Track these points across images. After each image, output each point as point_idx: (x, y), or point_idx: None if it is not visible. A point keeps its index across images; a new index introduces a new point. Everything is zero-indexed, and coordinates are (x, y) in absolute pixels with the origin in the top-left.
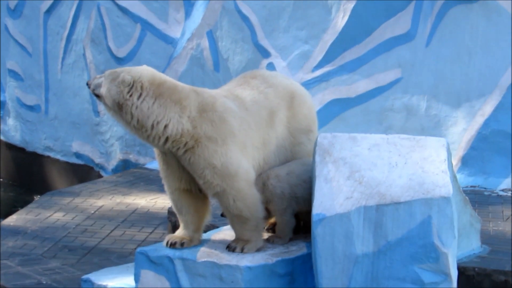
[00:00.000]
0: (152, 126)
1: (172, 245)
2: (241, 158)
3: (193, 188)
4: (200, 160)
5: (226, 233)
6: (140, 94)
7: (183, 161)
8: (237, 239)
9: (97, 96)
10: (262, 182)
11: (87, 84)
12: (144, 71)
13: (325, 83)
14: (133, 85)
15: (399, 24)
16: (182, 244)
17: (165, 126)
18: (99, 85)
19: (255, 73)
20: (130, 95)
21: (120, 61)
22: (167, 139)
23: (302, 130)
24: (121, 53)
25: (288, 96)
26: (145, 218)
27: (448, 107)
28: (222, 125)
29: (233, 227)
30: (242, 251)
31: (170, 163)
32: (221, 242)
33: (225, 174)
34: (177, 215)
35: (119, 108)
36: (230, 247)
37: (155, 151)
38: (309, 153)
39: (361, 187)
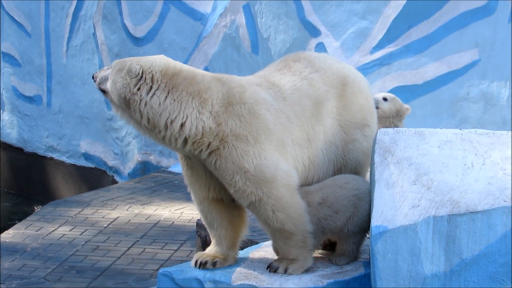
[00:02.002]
0: (166, 125)
1: (203, 265)
2: (278, 159)
3: (225, 197)
4: (228, 164)
5: (267, 250)
6: (150, 88)
7: (209, 165)
8: (280, 258)
9: (104, 91)
10: None
11: (93, 77)
12: (157, 60)
13: (386, 67)
14: (141, 77)
15: None
16: (214, 264)
17: (182, 125)
18: (105, 79)
19: (299, 56)
20: (138, 89)
21: (138, 41)
22: (185, 140)
23: (357, 124)
24: (140, 32)
25: (339, 82)
26: (169, 232)
27: None
28: (253, 120)
29: (277, 244)
30: (285, 271)
31: (195, 167)
32: (261, 261)
33: (260, 179)
34: (208, 229)
35: (126, 105)
36: (271, 267)
37: (178, 154)
38: (365, 152)
39: (430, 194)
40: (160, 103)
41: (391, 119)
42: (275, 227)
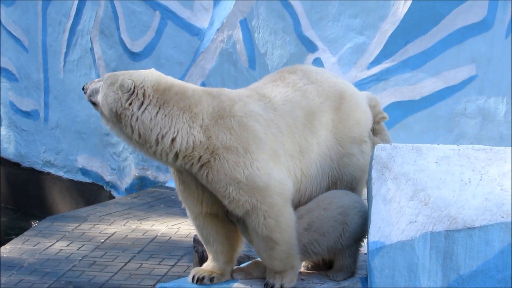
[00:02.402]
0: (157, 140)
1: (200, 281)
2: (271, 167)
3: (219, 212)
4: (220, 176)
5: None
6: (142, 103)
7: (200, 178)
8: (270, 273)
9: (94, 104)
10: None
11: (83, 89)
12: (149, 75)
13: (383, 83)
14: (133, 91)
15: (473, 10)
16: (211, 280)
17: (173, 140)
18: (96, 91)
19: (295, 68)
20: (130, 104)
21: (136, 56)
22: (176, 155)
23: (353, 139)
24: (137, 47)
25: (335, 95)
26: (166, 247)
27: None
28: (243, 132)
29: (260, 255)
30: (281, 287)
31: (187, 182)
32: (258, 276)
33: (253, 188)
34: (204, 245)
35: (117, 119)
36: (267, 285)
37: (171, 169)
38: (361, 167)
39: (427, 209)
40: (151, 118)
41: (382, 138)
42: (263, 235)
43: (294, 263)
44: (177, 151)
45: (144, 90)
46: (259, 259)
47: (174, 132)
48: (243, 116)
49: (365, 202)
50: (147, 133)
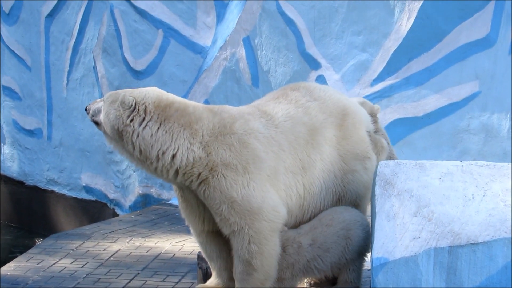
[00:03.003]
0: (158, 157)
1: None
2: (267, 190)
3: (209, 226)
4: (216, 193)
5: None
6: (143, 119)
7: (199, 195)
8: None
9: (97, 123)
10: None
11: (86, 109)
12: (150, 92)
13: (386, 100)
14: (135, 108)
15: (477, 27)
16: None
17: (173, 156)
18: (98, 111)
19: (298, 85)
20: (131, 120)
21: (139, 75)
22: (177, 171)
23: (357, 155)
24: (140, 65)
25: (339, 112)
26: (171, 264)
27: None
28: (243, 149)
29: (235, 277)
30: None
31: (188, 200)
32: None
33: (245, 209)
34: (208, 261)
35: (119, 137)
36: None
37: (173, 186)
38: (365, 184)
39: (431, 225)
40: (152, 134)
41: (379, 132)
42: (244, 258)
43: None
44: (177, 168)
45: (145, 106)
46: None
47: (175, 148)
48: (243, 134)
49: (369, 218)
50: (148, 149)
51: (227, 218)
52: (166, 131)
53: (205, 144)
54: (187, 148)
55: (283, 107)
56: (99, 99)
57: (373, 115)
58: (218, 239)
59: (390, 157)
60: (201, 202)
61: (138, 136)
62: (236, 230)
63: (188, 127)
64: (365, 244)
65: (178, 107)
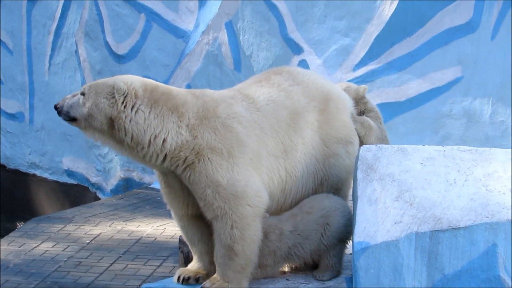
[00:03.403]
0: (149, 141)
1: (185, 281)
2: (251, 175)
3: (193, 210)
4: (201, 178)
5: None
6: (134, 104)
7: (184, 180)
8: (214, 278)
9: (73, 120)
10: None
11: (56, 108)
12: (131, 77)
13: (369, 84)
14: (127, 94)
15: (459, 12)
16: (197, 280)
17: (164, 140)
18: (75, 105)
19: (281, 69)
20: (124, 106)
21: (121, 59)
22: (165, 156)
23: (340, 140)
24: (122, 49)
25: (321, 97)
26: (152, 248)
27: None
28: (227, 133)
29: (216, 262)
30: None
31: (172, 185)
32: None
33: (230, 194)
34: (189, 245)
35: (109, 126)
36: None
37: (156, 172)
38: (347, 169)
39: (412, 210)
40: (145, 119)
41: (358, 107)
42: (225, 243)
43: (242, 281)
44: (166, 152)
45: (136, 91)
46: None
47: (166, 132)
48: (226, 118)
49: (351, 203)
50: (141, 135)
51: (211, 202)
52: (157, 115)
53: (191, 127)
54: (176, 131)
55: (265, 91)
56: (69, 96)
57: (359, 98)
58: (200, 223)
59: (382, 138)
60: (185, 186)
61: (131, 121)
62: (219, 215)
63: (175, 111)
64: (345, 230)
65: (163, 91)
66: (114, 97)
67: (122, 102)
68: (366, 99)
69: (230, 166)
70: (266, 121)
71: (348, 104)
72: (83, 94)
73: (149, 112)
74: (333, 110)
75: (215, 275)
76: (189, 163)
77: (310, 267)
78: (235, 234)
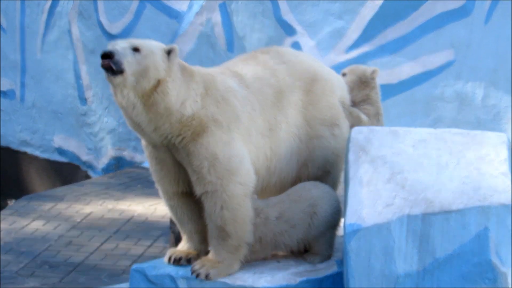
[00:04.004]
0: (177, 107)
1: (177, 261)
2: (244, 153)
3: (183, 188)
4: (201, 150)
5: None
6: (172, 67)
7: (182, 152)
8: (205, 259)
9: (118, 72)
10: None
11: (109, 54)
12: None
13: None
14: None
15: None
16: (188, 260)
17: (186, 107)
18: (130, 59)
19: (269, 49)
20: (169, 68)
21: (114, 38)
22: (179, 125)
23: (324, 121)
24: (115, 29)
25: (307, 77)
26: (143, 228)
27: (510, 96)
28: (226, 106)
29: (210, 241)
30: (206, 277)
31: (164, 161)
32: None
33: (225, 169)
34: (178, 226)
35: (152, 88)
36: (194, 271)
37: (146, 149)
38: (334, 151)
39: (404, 192)
40: (180, 84)
41: (361, 93)
42: (217, 224)
43: (234, 262)
44: (183, 120)
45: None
46: None
47: (189, 99)
48: (224, 91)
49: (343, 185)
50: (173, 100)
51: (205, 176)
52: (185, 81)
53: (202, 97)
54: (194, 99)
55: (251, 68)
56: (117, 45)
57: (364, 79)
58: (189, 202)
59: None
60: (176, 162)
61: (173, 82)
62: (209, 191)
63: (192, 79)
64: (333, 219)
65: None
66: (165, 60)
67: (168, 65)
68: (374, 84)
69: (228, 140)
70: (254, 98)
71: (336, 86)
72: (136, 50)
73: (181, 77)
74: (319, 91)
75: (207, 256)
76: (196, 134)
77: (301, 253)
78: (226, 215)
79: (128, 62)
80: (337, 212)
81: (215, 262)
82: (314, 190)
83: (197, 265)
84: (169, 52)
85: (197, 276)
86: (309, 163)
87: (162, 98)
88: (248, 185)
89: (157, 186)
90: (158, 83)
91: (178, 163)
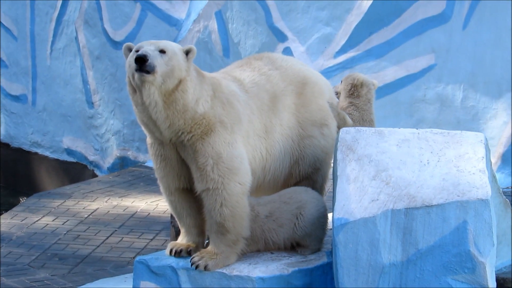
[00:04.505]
0: (192, 105)
1: (177, 254)
2: (244, 154)
3: (185, 184)
4: (207, 148)
5: None
6: (190, 68)
7: (189, 150)
8: (204, 251)
9: (149, 72)
10: None
11: (144, 58)
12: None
13: (348, 71)
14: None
15: (433, 3)
16: (188, 252)
17: (199, 106)
18: (159, 60)
19: (262, 55)
20: (189, 68)
21: (117, 45)
22: (191, 123)
23: (315, 122)
24: (119, 36)
25: (298, 81)
26: (145, 223)
27: (487, 98)
28: (231, 109)
29: (210, 235)
30: (205, 268)
31: (169, 158)
32: None
33: (227, 168)
34: (177, 220)
35: (175, 87)
36: (193, 263)
37: (151, 148)
38: (323, 149)
39: (389, 188)
40: (196, 83)
41: (352, 100)
42: (216, 220)
43: (231, 254)
44: (196, 118)
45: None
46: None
47: (202, 98)
48: (228, 94)
49: (331, 182)
50: (190, 97)
51: (208, 174)
52: (199, 80)
53: (211, 98)
54: (205, 99)
55: (248, 74)
56: (146, 47)
57: (355, 85)
58: (189, 197)
59: None
60: (180, 160)
61: (191, 81)
62: (211, 188)
63: (204, 79)
64: (319, 222)
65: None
66: (186, 60)
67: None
68: (371, 95)
69: (231, 141)
70: (253, 102)
71: (325, 89)
72: (162, 51)
73: (196, 76)
74: (309, 94)
75: (206, 248)
76: (204, 133)
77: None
78: (225, 213)
79: (159, 64)
80: (323, 216)
81: (214, 254)
82: (304, 194)
83: (196, 257)
84: (187, 53)
85: (196, 267)
86: (300, 161)
87: (181, 95)
88: (246, 185)
89: (159, 182)
90: (180, 82)
91: (182, 161)
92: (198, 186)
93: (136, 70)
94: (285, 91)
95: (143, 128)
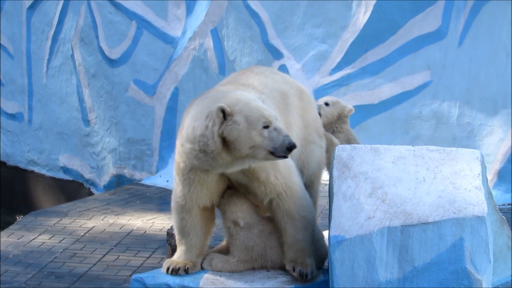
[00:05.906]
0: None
1: (175, 271)
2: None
3: (215, 202)
4: (266, 163)
5: (227, 257)
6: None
7: (247, 174)
8: (295, 262)
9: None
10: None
11: (294, 148)
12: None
13: (344, 88)
14: None
15: (428, 20)
16: (186, 270)
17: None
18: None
19: (257, 66)
20: None
21: (113, 63)
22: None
23: (316, 129)
24: (114, 54)
25: (296, 87)
26: (142, 241)
27: (483, 115)
28: None
29: (288, 240)
30: (312, 274)
31: (207, 181)
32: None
33: (286, 169)
34: (180, 237)
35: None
36: (301, 274)
37: (182, 174)
38: (318, 161)
39: (385, 206)
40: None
41: (334, 124)
42: (300, 214)
43: (310, 251)
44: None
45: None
46: (213, 252)
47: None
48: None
49: (323, 199)
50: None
51: (273, 183)
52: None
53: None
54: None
55: (255, 78)
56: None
57: (343, 116)
58: (204, 217)
59: None
60: (219, 179)
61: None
62: (282, 192)
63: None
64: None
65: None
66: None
67: None
68: (347, 119)
69: None
70: (271, 102)
71: (314, 104)
72: (266, 126)
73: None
74: (306, 102)
75: (288, 255)
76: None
77: None
78: (303, 204)
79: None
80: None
81: (302, 263)
82: None
83: (298, 267)
84: None
85: (306, 276)
86: (304, 169)
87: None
88: (300, 175)
89: (179, 200)
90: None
91: (218, 180)
92: (267, 196)
93: (281, 156)
94: (289, 91)
95: (195, 164)
